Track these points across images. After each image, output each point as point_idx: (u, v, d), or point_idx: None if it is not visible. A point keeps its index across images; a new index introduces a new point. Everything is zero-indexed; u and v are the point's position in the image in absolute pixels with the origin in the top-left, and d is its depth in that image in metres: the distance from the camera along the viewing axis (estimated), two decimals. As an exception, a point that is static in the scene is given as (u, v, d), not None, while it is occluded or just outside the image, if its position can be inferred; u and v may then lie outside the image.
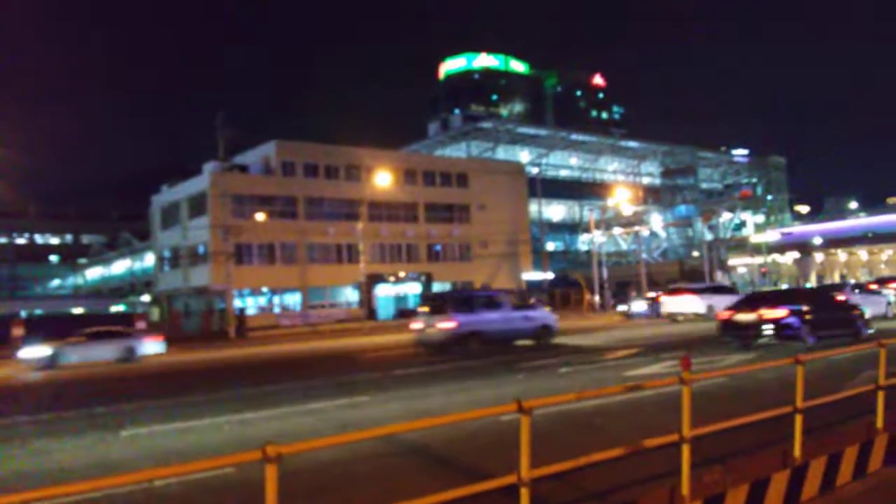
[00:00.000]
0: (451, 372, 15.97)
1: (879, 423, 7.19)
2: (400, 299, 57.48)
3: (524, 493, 4.40)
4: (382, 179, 49.19)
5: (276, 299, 53.65)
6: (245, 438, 9.02)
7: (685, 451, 5.28)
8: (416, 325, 21.56)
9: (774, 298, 18.87)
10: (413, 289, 57.73)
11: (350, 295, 54.73)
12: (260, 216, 48.43)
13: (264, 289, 52.57)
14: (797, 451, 6.22)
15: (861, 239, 78.09)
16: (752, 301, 19.20)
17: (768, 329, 17.33)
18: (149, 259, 64.81)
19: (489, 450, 7.00)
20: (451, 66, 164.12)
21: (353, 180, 55.88)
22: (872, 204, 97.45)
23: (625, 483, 5.73)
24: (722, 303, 25.07)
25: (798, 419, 6.25)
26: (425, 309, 22.12)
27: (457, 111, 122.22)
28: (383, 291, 56.15)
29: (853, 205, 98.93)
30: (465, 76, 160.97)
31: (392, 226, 57.63)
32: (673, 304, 34.31)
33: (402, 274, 56.23)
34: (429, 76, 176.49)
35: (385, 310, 55.51)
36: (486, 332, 20.16)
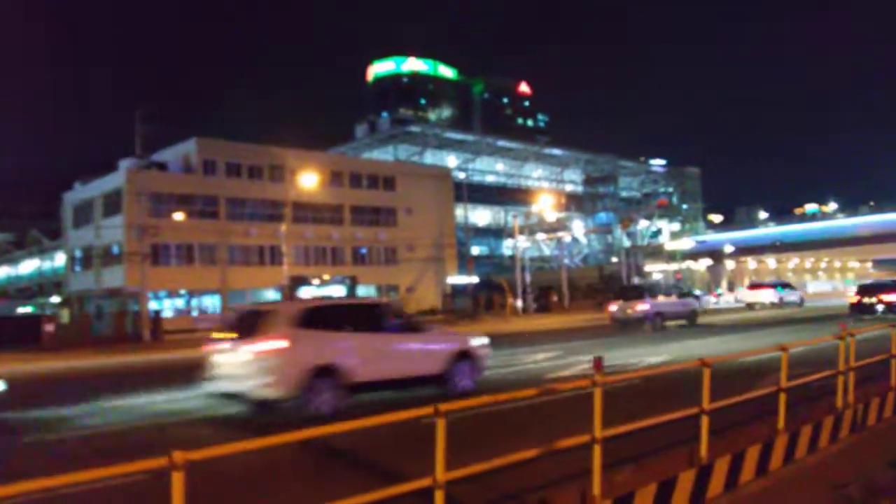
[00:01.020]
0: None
1: (780, 423, 7.55)
2: (324, 302, 56.80)
3: (439, 496, 4.43)
4: (308, 181, 48.49)
5: (195, 302, 52.16)
6: (158, 443, 8.74)
7: (596, 451, 5.42)
8: (613, 307, 28.65)
9: (888, 287, 28.56)
10: (338, 292, 57.13)
11: (273, 298, 53.70)
12: (178, 216, 47.00)
13: (182, 291, 51.05)
14: (703, 451, 6.47)
15: (769, 247, 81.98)
16: (872, 289, 29.03)
17: (881, 307, 27.01)
18: (59, 259, 62.04)
19: (416, 451, 6.99)
20: (379, 68, 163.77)
21: (278, 181, 54.92)
22: (780, 214, 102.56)
23: (541, 483, 5.85)
24: (788, 296, 44.25)
25: (704, 420, 6.50)
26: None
27: (385, 114, 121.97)
28: (307, 294, 55.34)
29: (763, 215, 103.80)
30: (393, 79, 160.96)
31: (317, 228, 56.92)
32: (752, 295, 46.13)
33: (326, 277, 55.54)
34: (357, 78, 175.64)
35: (308, 313, 54.73)
36: (666, 313, 26.81)
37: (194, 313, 51.36)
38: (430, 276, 62.80)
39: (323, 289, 55.78)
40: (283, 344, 10.23)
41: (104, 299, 50.82)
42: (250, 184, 54.07)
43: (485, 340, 12.77)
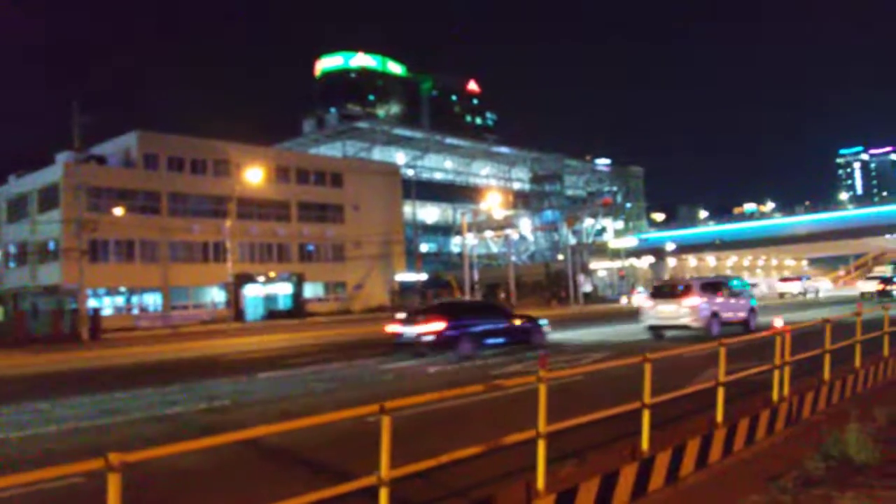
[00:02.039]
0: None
1: (719, 417, 7.74)
2: (270, 300, 56.03)
3: (383, 494, 4.40)
4: (253, 176, 47.72)
5: (135, 300, 50.86)
6: (98, 445, 8.48)
7: (541, 446, 5.47)
8: (665, 306, 23.46)
9: None
10: (284, 289, 56.46)
11: (216, 295, 52.72)
12: (118, 211, 45.76)
13: (122, 288, 49.69)
14: (645, 445, 6.59)
15: (710, 245, 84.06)
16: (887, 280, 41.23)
17: None
18: (-8, 255, 59.69)
19: (360, 450, 6.95)
20: (327, 63, 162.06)
21: (222, 176, 53.91)
22: (720, 213, 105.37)
23: (486, 479, 5.88)
24: (811, 285, 60.02)
25: (646, 414, 6.63)
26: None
27: (333, 110, 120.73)
28: (252, 292, 54.51)
29: (703, 214, 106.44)
30: (341, 75, 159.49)
31: (263, 224, 56.10)
32: (784, 286, 61.63)
33: (272, 274, 54.82)
34: (305, 73, 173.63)
35: (254, 311, 53.89)
36: (722, 312, 22.62)
37: (135, 311, 50.09)
38: (378, 274, 62.55)
39: (269, 286, 55.05)
40: (699, 300, 21.42)
41: (40, 297, 49.11)
42: (193, 179, 52.94)
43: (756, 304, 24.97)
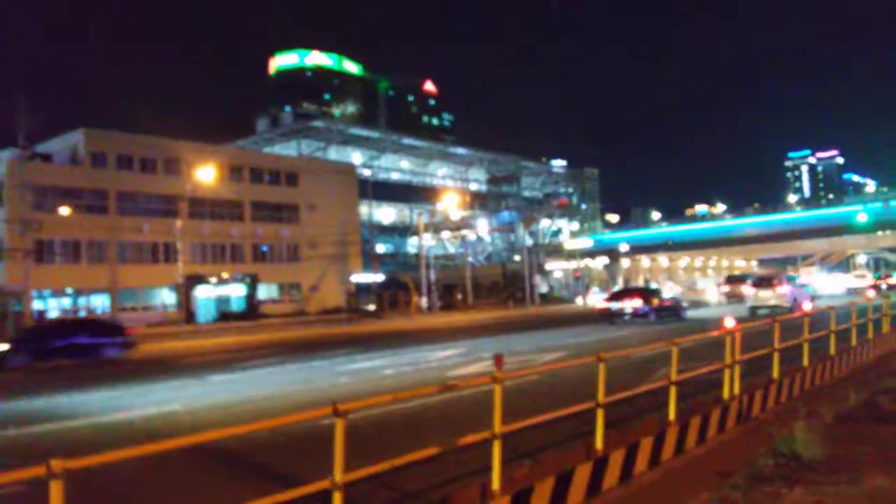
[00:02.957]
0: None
1: (671, 415, 7.84)
2: (222, 301, 55.05)
3: (337, 497, 4.32)
4: (205, 175, 46.83)
5: (82, 301, 49.50)
6: (34, 453, 8.18)
7: (496, 447, 5.45)
8: (764, 292, 32.04)
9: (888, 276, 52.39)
10: (237, 290, 55.53)
11: (167, 297, 51.62)
12: (64, 210, 44.52)
13: (68, 290, 48.32)
14: (599, 444, 6.62)
15: (662, 246, 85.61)
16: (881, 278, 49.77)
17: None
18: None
19: (319, 453, 6.83)
20: (282, 61, 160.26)
21: (173, 175, 52.78)
22: (672, 215, 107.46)
23: (442, 481, 5.83)
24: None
25: (600, 413, 6.66)
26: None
27: (288, 108, 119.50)
28: (204, 293, 53.46)
29: (656, 215, 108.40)
30: (297, 73, 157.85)
31: (215, 224, 55.14)
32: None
33: (225, 275, 53.87)
34: (259, 71, 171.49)
35: (205, 313, 52.87)
36: (798, 297, 30.51)
37: (82, 313, 48.75)
38: (334, 275, 62.03)
39: (221, 287, 54.09)
40: (788, 289, 31.25)
41: (-18, 299, 47.48)
42: (143, 177, 51.77)
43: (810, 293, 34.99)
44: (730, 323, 9.75)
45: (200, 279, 51.92)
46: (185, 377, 16.18)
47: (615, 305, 29.97)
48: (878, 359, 15.22)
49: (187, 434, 4.17)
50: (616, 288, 78.55)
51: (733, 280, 53.74)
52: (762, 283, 33.43)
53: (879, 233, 77.68)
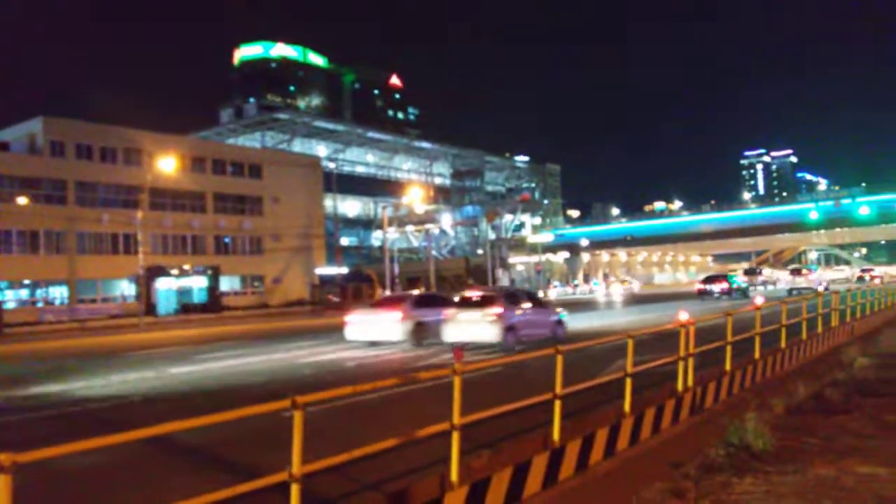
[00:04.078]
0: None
1: (627, 407, 8.01)
2: (184, 293, 54.34)
3: (295, 490, 4.35)
4: (166, 165, 46.03)
5: (40, 293, 48.44)
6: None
7: (455, 438, 5.53)
8: (798, 278, 43.32)
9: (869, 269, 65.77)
10: (199, 282, 54.84)
11: (127, 289, 50.73)
12: (22, 200, 43.48)
13: (26, 281, 47.30)
14: (556, 435, 6.75)
15: (621, 241, 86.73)
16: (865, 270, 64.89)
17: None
18: None
19: (273, 445, 6.85)
20: (246, 52, 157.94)
21: (133, 165, 51.87)
22: (632, 211, 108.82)
23: (401, 472, 5.89)
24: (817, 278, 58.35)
25: (557, 405, 6.78)
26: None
27: (252, 100, 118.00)
28: (165, 285, 52.71)
29: (616, 211, 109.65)
30: (261, 64, 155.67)
31: (177, 215, 54.34)
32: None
33: (186, 267, 53.16)
34: (223, 62, 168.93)
35: (166, 305, 52.15)
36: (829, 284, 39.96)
37: (40, 305, 47.75)
38: (298, 267, 61.62)
39: (182, 279, 53.38)
40: (817, 276, 51.60)
41: (-66, 290, 46.24)
42: (103, 167, 50.78)
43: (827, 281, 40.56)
44: (683, 317, 9.97)
45: (161, 271, 51.16)
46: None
47: (707, 287, 41.20)
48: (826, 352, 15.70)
49: (143, 426, 4.15)
50: (595, 283, 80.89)
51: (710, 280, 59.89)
52: (794, 272, 46.38)
53: (831, 230, 79.84)
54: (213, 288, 54.62)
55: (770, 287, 60.92)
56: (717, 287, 40.76)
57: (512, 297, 18.19)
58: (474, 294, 18.54)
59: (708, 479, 6.77)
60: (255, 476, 4.68)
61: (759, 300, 10.28)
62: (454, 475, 5.56)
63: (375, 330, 18.75)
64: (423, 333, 18.47)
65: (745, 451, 7.57)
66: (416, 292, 25.86)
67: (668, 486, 6.61)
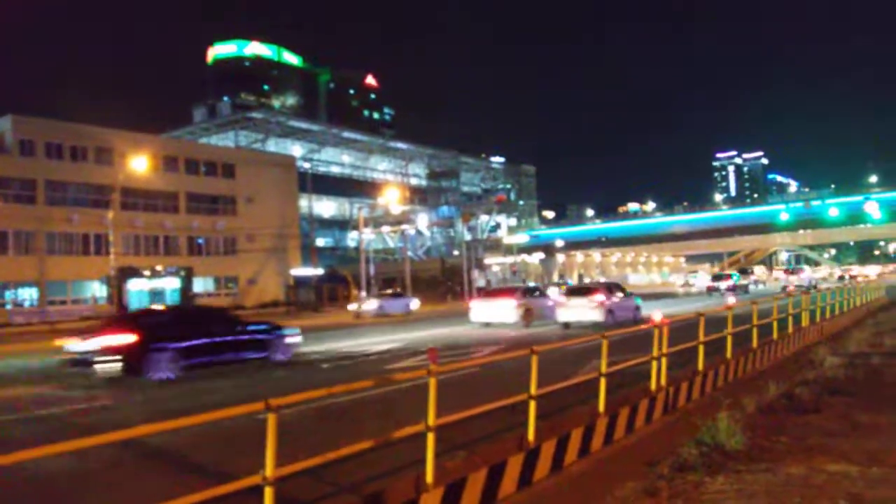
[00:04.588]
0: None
1: (601, 407, 8.06)
2: (156, 295, 53.58)
3: (268, 493, 4.32)
4: (138, 165, 45.43)
5: (9, 294, 47.57)
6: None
7: (430, 439, 5.52)
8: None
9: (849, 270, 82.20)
10: (171, 284, 54.08)
11: (98, 290, 49.98)
12: (-11, 199, 42.63)
13: (-7, 282, 46.43)
14: (531, 436, 6.77)
15: (596, 242, 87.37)
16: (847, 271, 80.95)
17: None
18: None
19: (247, 449, 6.79)
20: (220, 50, 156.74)
21: (105, 164, 51.11)
22: (606, 212, 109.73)
23: (376, 474, 5.87)
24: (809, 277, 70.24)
25: (532, 405, 6.80)
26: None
27: (226, 99, 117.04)
28: (137, 286, 51.87)
29: (590, 212, 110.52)
30: (235, 62, 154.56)
31: (149, 216, 53.68)
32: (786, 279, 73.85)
33: (159, 268, 52.42)
34: (196, 61, 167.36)
35: (138, 306, 51.40)
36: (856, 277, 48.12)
37: (8, 307, 46.90)
38: (273, 268, 61.17)
39: (155, 281, 52.69)
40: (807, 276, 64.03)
41: None
42: (73, 166, 50.00)
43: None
44: (657, 317, 10.06)
45: (133, 272, 50.41)
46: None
47: (716, 284, 48.97)
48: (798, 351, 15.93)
49: (114, 430, 4.08)
50: (570, 282, 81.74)
51: (718, 278, 61.91)
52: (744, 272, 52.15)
53: (801, 231, 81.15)
54: (185, 289, 53.91)
55: (761, 286, 64.74)
56: (723, 284, 48.16)
57: (609, 288, 23.58)
58: (581, 285, 27.14)
59: (681, 478, 6.82)
60: (229, 479, 4.64)
61: (731, 300, 11.21)
62: (429, 477, 5.55)
63: (495, 314, 23.72)
64: (530, 316, 23.45)
65: (718, 450, 7.63)
66: (524, 284, 35.27)
67: (641, 485, 6.65)
